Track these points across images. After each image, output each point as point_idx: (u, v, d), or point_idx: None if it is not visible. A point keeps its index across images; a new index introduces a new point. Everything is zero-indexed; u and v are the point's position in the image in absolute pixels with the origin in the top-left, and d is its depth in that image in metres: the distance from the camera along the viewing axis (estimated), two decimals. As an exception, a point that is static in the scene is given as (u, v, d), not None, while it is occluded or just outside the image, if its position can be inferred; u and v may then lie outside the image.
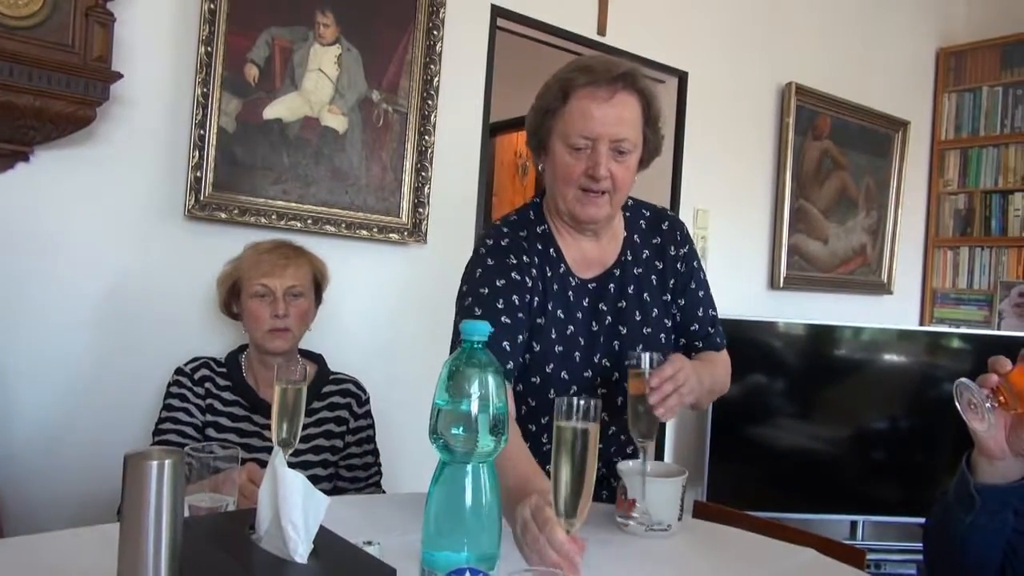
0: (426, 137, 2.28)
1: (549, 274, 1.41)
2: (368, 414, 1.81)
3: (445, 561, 0.88)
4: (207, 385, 1.68)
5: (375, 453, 1.80)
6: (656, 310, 1.47)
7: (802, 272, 3.45)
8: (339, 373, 1.80)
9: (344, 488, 1.71)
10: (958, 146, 3.97)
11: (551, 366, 1.39)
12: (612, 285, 1.45)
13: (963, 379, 0.95)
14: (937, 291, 4.00)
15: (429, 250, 2.35)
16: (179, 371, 1.69)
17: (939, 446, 3.04)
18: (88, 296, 1.84)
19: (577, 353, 1.42)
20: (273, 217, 2.01)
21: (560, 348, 1.40)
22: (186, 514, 1.02)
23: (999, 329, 3.69)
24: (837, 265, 3.60)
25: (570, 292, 1.42)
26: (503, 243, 1.40)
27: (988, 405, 0.92)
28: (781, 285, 3.36)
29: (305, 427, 1.68)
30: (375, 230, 2.19)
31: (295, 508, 0.86)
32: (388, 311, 2.31)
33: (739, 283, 3.27)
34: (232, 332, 1.88)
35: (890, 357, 3.20)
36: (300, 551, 0.85)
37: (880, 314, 3.66)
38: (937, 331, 3.44)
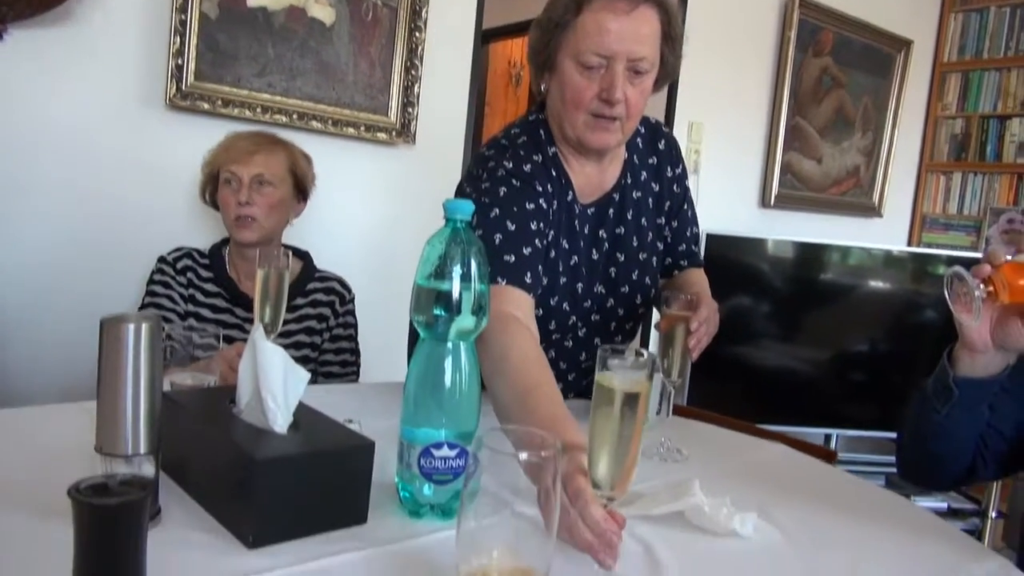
0: (416, 34, 2.21)
1: (557, 204, 1.32)
2: (351, 313, 1.81)
3: (424, 437, 0.89)
4: (189, 275, 1.67)
5: (355, 352, 1.81)
6: (651, 234, 1.44)
7: (794, 191, 3.43)
8: (325, 271, 1.79)
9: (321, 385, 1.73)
10: (960, 68, 3.90)
11: (555, 299, 1.34)
12: (612, 210, 1.39)
13: (957, 267, 0.95)
14: (927, 216, 4.00)
15: (417, 152, 2.31)
16: (162, 259, 1.68)
17: (918, 367, 3.09)
18: (68, 183, 1.81)
19: (580, 284, 1.37)
20: (258, 110, 1.96)
21: (565, 280, 1.35)
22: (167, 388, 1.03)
23: (985, 254, 3.70)
24: (829, 185, 3.58)
25: (576, 221, 1.36)
26: (526, 168, 1.29)
27: (978, 293, 0.92)
28: (772, 203, 3.34)
29: (287, 323, 1.68)
30: (362, 128, 2.14)
31: (275, 380, 0.87)
32: (375, 212, 2.29)
33: (730, 199, 3.25)
34: (215, 225, 1.86)
35: (875, 278, 3.22)
36: (280, 422, 0.86)
37: (869, 237, 3.66)
38: (923, 253, 3.45)
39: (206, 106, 1.89)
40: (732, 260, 3.00)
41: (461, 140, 2.44)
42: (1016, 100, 3.72)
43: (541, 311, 1.31)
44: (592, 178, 1.37)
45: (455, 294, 0.88)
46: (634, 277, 1.42)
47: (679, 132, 3.04)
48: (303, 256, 1.77)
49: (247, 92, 1.95)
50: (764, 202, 3.35)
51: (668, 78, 1.33)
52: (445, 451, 0.88)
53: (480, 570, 0.57)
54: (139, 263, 1.79)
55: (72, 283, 1.84)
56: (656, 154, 1.45)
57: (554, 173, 1.32)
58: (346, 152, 2.16)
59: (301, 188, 1.75)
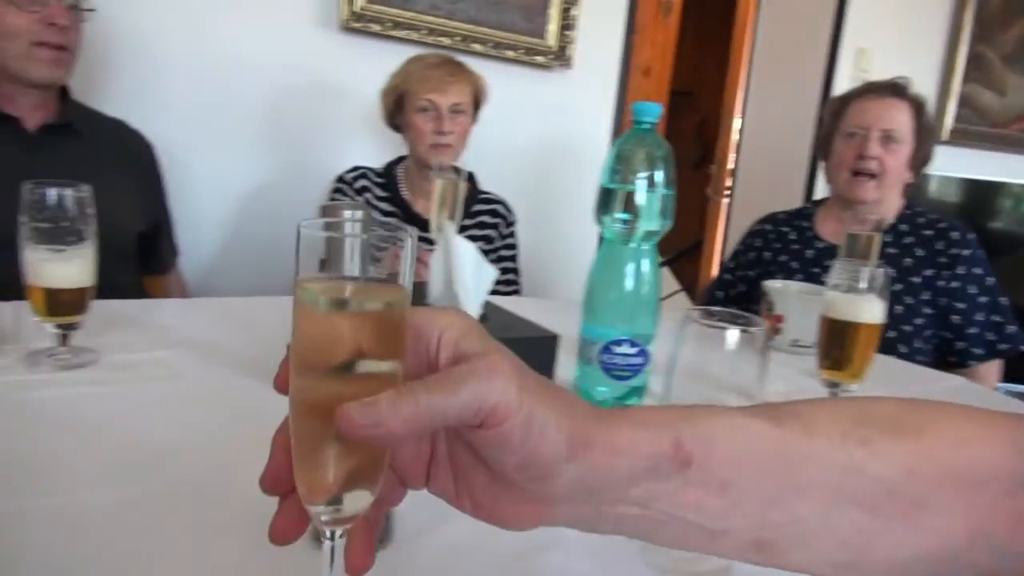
0: (576, -45, 2.18)
1: (794, 235, 1.74)
2: (513, 235, 1.86)
3: (603, 335, 0.92)
4: (366, 195, 1.75)
5: (517, 272, 1.87)
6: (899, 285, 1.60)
7: (970, 126, 3.16)
8: (489, 193, 1.84)
9: None
10: None
11: None
12: None
13: None
14: (1125, 157, 3.58)
15: (572, 78, 2.31)
16: (340, 179, 1.76)
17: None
18: (251, 105, 1.93)
19: None
20: (424, 32, 2.01)
21: None
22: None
23: None
24: (1011, 121, 3.26)
25: (809, 251, 1.70)
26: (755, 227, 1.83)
27: None
28: (945, 138, 3.10)
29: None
30: (522, 51, 2.16)
31: (466, 273, 0.93)
32: (530, 136, 2.31)
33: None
34: (387, 144, 1.93)
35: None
36: (471, 312, 0.92)
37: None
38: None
39: (377, 28, 1.95)
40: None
41: (616, 66, 2.41)
42: None
43: None
44: (849, 226, 1.68)
45: (639, 196, 0.90)
46: None
47: (845, 60, 2.86)
48: (468, 177, 1.82)
49: (413, 14, 2.00)
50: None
51: (923, 163, 1.68)
52: (626, 348, 0.91)
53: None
54: (317, 181, 1.91)
55: (258, 197, 1.99)
56: (934, 229, 1.63)
57: (798, 219, 1.77)
58: (503, 75, 2.18)
59: (477, 111, 1.80)
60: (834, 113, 1.73)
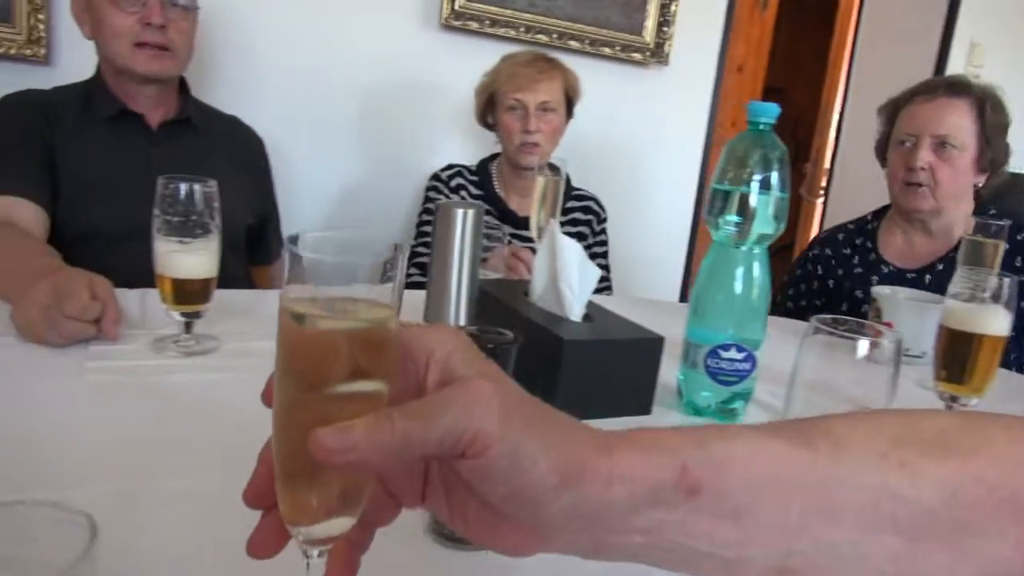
0: (675, -51, 2.14)
1: (856, 259, 1.64)
2: (605, 231, 1.86)
3: (710, 339, 0.91)
4: (462, 193, 1.77)
5: (608, 269, 1.86)
6: None
7: (1094, 124, 2.96)
8: (581, 189, 1.84)
9: None
10: None
11: None
12: (929, 277, 1.54)
13: None
14: None
15: (667, 75, 2.27)
16: (435, 177, 1.80)
17: None
18: (353, 101, 1.98)
19: None
20: (522, 29, 2.02)
21: None
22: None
23: None
24: None
25: (875, 276, 1.58)
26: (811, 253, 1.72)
27: None
28: (1065, 138, 2.92)
29: (546, 239, 1.76)
30: (618, 48, 2.14)
31: (571, 272, 0.93)
32: (624, 132, 2.29)
33: (1012, 131, 2.87)
34: (483, 142, 1.95)
35: None
36: (575, 310, 0.92)
37: None
38: None
39: (475, 25, 1.98)
40: (1011, 198, 2.68)
41: (713, 63, 2.37)
42: None
43: None
44: (918, 247, 1.58)
45: (752, 198, 0.88)
46: None
47: (957, 55, 2.72)
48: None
49: (512, 12, 2.01)
50: (1055, 136, 2.93)
51: (995, 165, 1.55)
52: (733, 353, 0.90)
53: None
54: (413, 177, 1.94)
55: (356, 191, 2.04)
56: (1014, 242, 1.46)
57: (859, 240, 1.66)
58: (599, 72, 2.17)
59: (571, 108, 1.79)
60: (887, 118, 1.61)
